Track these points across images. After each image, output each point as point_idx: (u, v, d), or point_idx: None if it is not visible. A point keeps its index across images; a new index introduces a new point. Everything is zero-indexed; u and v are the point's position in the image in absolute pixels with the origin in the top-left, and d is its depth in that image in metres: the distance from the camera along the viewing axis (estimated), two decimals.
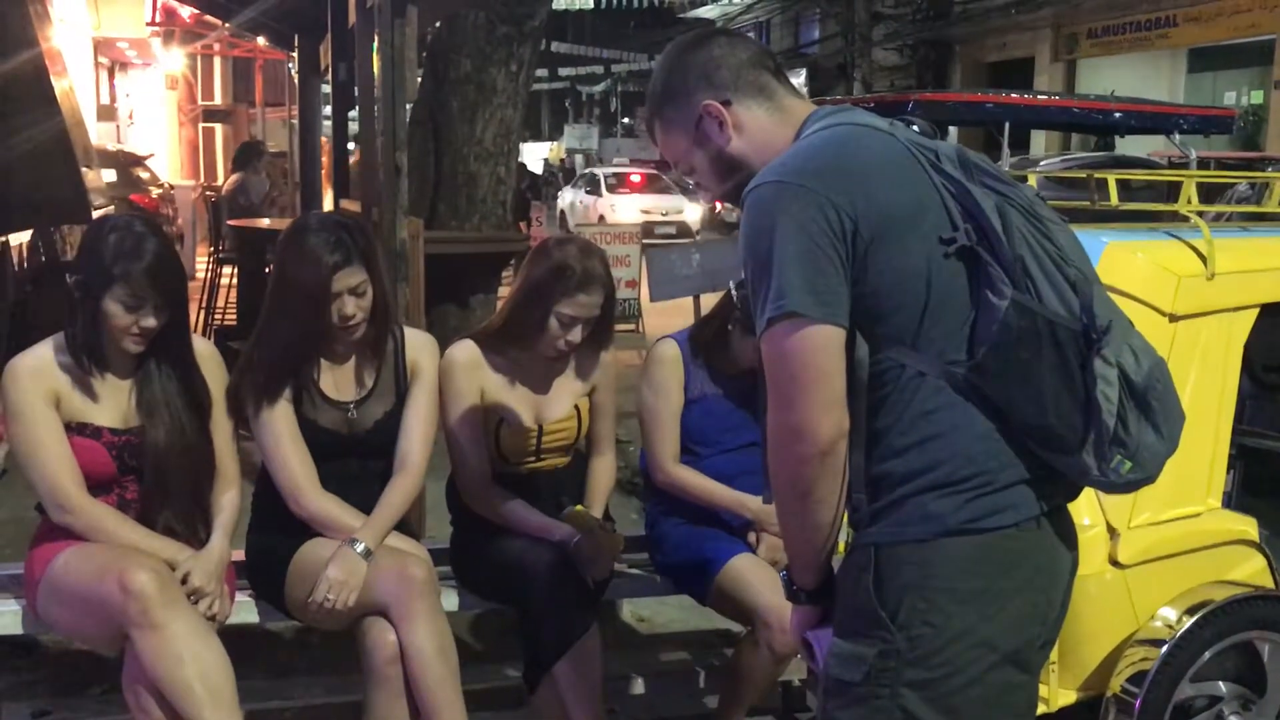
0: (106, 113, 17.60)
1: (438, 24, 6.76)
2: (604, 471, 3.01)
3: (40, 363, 2.51)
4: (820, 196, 1.57)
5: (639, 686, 3.14)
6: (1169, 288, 2.74)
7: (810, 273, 1.56)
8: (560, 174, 36.44)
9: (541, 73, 28.22)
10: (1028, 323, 1.58)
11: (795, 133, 1.72)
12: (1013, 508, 1.63)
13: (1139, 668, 2.62)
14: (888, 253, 1.59)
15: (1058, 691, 2.67)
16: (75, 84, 8.50)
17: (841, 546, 1.76)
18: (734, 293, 2.91)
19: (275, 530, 2.68)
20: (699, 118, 1.74)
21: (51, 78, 7.45)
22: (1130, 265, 2.76)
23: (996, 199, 1.64)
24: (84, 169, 7.44)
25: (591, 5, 28.94)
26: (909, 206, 1.61)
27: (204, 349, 2.70)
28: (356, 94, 5.89)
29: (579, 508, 2.86)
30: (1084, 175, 3.88)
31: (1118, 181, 3.29)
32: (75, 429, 2.50)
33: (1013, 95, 7.51)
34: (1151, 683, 2.58)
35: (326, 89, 9.24)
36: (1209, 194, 6.65)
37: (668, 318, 7.50)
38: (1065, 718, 2.70)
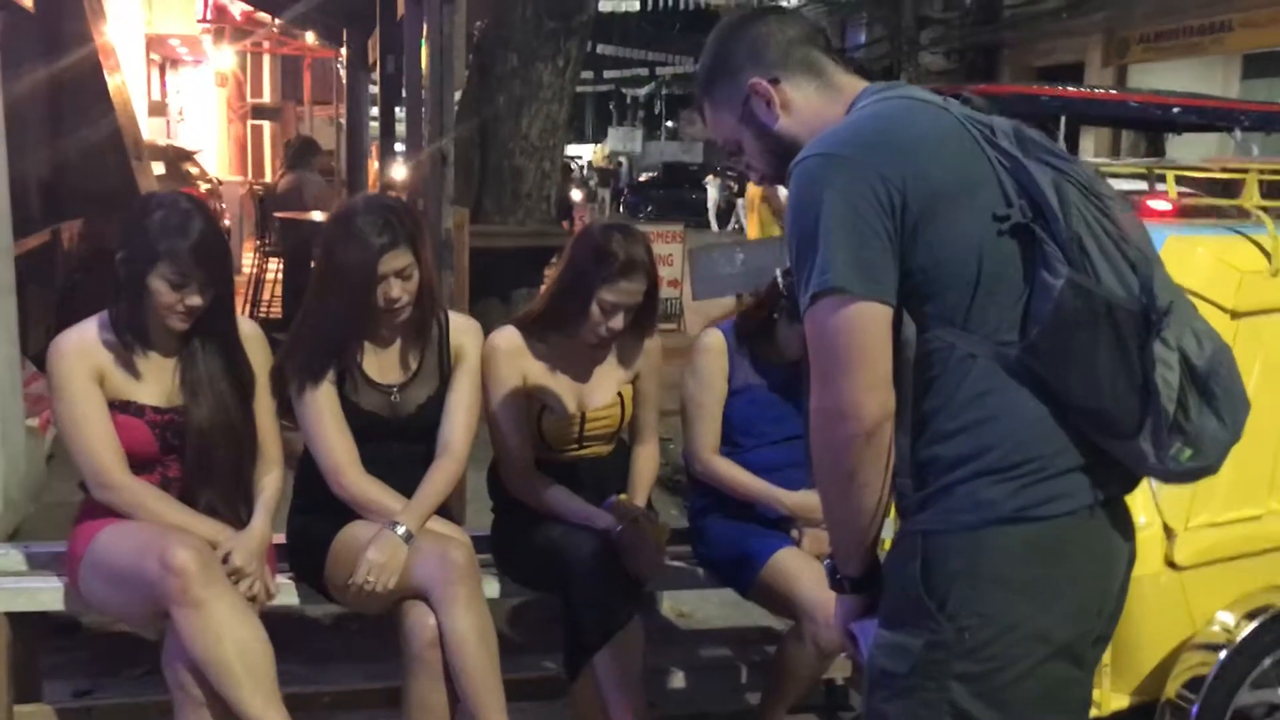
0: (157, 108, 17.85)
1: (484, 20, 6.78)
2: (647, 460, 2.98)
3: (85, 340, 2.52)
4: (868, 169, 1.53)
5: (679, 680, 3.11)
6: (1231, 283, 2.67)
7: (857, 247, 1.51)
8: (598, 175, 36.42)
9: (586, 75, 28.23)
10: (1084, 303, 1.52)
11: (846, 109, 1.68)
12: (1067, 495, 1.57)
13: (1196, 672, 2.55)
14: (938, 229, 1.54)
15: (1110, 695, 2.60)
16: (127, 79, 8.62)
17: (886, 543, 1.72)
18: (780, 281, 2.87)
19: (317, 512, 2.67)
20: (746, 97, 1.71)
21: (105, 73, 7.58)
22: (1191, 260, 2.69)
23: (1053, 175, 1.58)
24: (135, 162, 7.55)
25: (637, 7, 28.91)
26: (961, 181, 1.56)
27: (249, 329, 2.70)
28: (404, 86, 5.92)
29: (622, 496, 2.83)
30: (1143, 171, 3.79)
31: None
32: (119, 407, 2.51)
33: (1069, 88, 7.35)
34: (1209, 689, 2.51)
35: (374, 89, 9.32)
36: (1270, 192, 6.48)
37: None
38: None
